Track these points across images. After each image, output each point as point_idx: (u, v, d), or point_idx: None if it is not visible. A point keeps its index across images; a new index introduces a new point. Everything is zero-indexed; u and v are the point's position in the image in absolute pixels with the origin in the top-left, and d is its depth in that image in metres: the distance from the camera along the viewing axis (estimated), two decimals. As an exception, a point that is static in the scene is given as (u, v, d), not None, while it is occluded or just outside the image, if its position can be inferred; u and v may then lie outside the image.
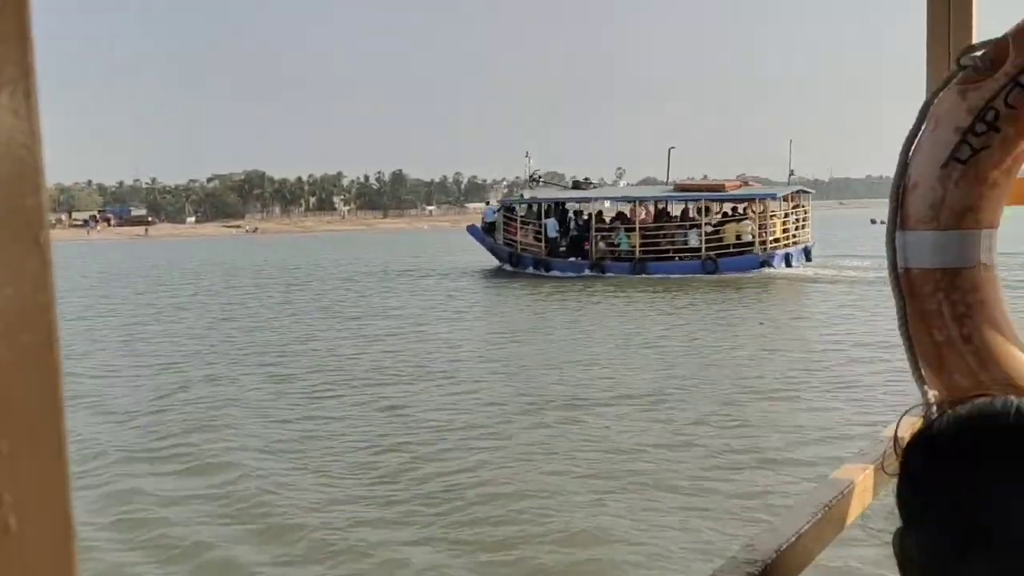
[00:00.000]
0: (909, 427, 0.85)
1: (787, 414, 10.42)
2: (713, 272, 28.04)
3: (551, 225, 31.57)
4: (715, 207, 30.33)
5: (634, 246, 29.85)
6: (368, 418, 10.90)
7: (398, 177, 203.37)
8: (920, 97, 1.62)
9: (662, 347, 15.59)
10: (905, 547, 0.76)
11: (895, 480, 0.79)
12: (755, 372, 12.93)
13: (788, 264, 29.12)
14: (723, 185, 32.00)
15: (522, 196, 34.97)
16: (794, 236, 30.26)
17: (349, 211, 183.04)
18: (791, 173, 37.80)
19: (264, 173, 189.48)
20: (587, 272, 29.69)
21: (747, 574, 1.06)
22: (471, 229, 36.31)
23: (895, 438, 0.86)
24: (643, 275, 28.43)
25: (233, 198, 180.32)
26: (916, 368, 1.60)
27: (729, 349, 15.22)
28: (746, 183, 34.87)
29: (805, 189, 33.68)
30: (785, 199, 30.60)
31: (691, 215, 30.55)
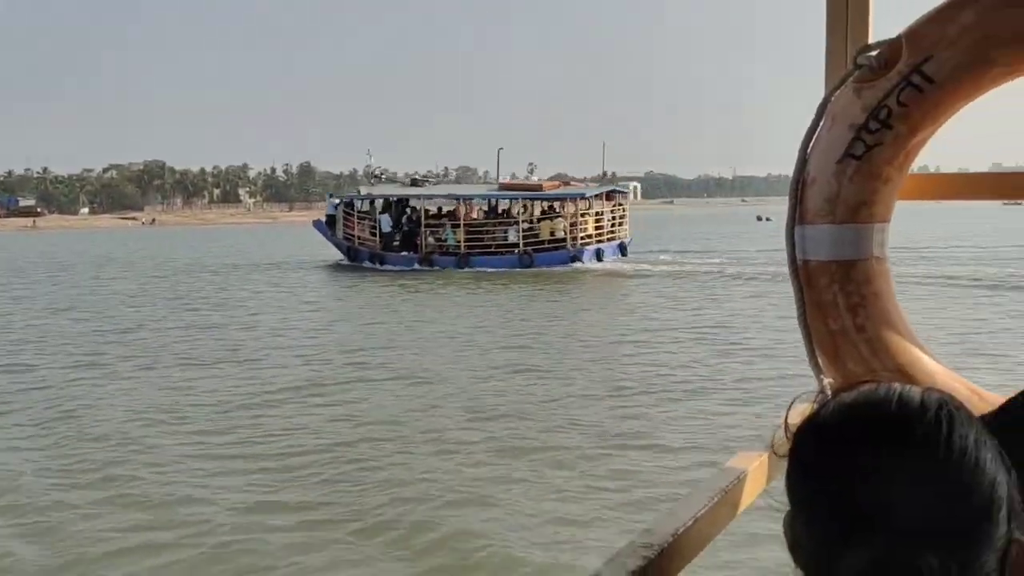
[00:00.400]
0: (801, 413, 0.86)
1: (524, 386, 12.01)
2: (529, 266, 30.25)
3: (384, 220, 33.35)
4: (534, 205, 32.65)
5: (459, 241, 31.86)
6: (147, 394, 11.89)
7: (306, 169, 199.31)
8: (819, 95, 1.66)
9: (459, 333, 17.14)
10: (794, 530, 0.76)
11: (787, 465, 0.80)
12: (526, 353, 14.61)
13: (599, 259, 31.25)
14: (541, 185, 34.70)
15: (358, 191, 36.46)
16: (610, 233, 32.57)
17: (255, 203, 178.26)
18: (603, 175, 40.68)
19: (165, 163, 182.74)
20: (417, 266, 31.55)
21: (644, 557, 1.07)
22: (316, 224, 37.26)
23: (786, 423, 0.88)
24: (467, 268, 30.45)
25: (131, 189, 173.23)
26: (812, 356, 1.65)
27: (510, 334, 16.91)
28: (567, 183, 37.60)
29: (619, 189, 36.27)
30: (599, 197, 33.04)
31: (514, 213, 32.88)
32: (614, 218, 33.02)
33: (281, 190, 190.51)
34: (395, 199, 34.39)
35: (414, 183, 38.95)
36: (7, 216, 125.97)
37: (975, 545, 0.70)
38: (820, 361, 1.64)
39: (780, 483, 0.82)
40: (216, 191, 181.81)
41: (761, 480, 1.50)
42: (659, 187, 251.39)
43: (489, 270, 29.78)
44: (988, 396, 1.49)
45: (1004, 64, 1.48)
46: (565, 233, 31.27)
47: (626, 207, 33.94)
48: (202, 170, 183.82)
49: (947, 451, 0.72)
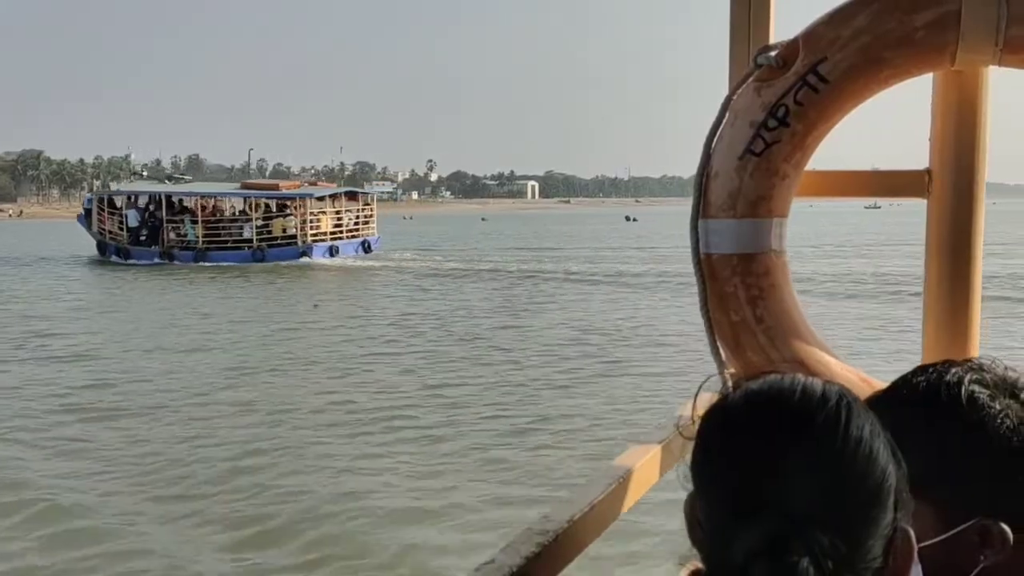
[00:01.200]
0: (707, 400, 0.88)
1: (199, 362, 13.37)
2: (262, 260, 31.87)
3: (132, 215, 34.33)
4: (271, 204, 33.94)
5: (199, 237, 33.15)
6: None
7: (195, 161, 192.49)
8: (714, 103, 1.70)
9: (148, 318, 18.43)
10: (695, 511, 0.79)
11: (688, 452, 0.82)
12: (196, 334, 16.16)
13: (333, 255, 32.84)
14: (278, 184, 36.69)
15: (107, 187, 36.89)
16: (351, 231, 34.46)
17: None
18: (343, 175, 42.68)
19: (41, 153, 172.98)
20: (158, 260, 32.73)
21: (538, 543, 1.08)
22: (79, 218, 37.90)
23: (693, 409, 0.90)
24: (204, 263, 31.72)
25: (4, 180, 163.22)
26: (714, 346, 1.68)
27: (191, 316, 18.44)
28: (314, 183, 39.98)
29: (358, 191, 38.89)
30: (338, 197, 35.08)
31: (247, 211, 34.39)
32: (358, 218, 34.95)
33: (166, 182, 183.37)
34: (157, 195, 35.33)
35: (169, 180, 40.29)
36: None
37: (865, 529, 0.74)
38: (721, 351, 1.69)
39: (675, 473, 0.85)
40: (96, 183, 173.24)
41: (656, 469, 1.53)
42: (558, 186, 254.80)
43: (224, 264, 31.13)
44: (878, 384, 1.56)
45: (894, 66, 1.55)
46: (296, 230, 32.82)
47: (373, 207, 36.19)
48: (81, 160, 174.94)
49: (844, 440, 0.75)
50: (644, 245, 42.66)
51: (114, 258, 33.99)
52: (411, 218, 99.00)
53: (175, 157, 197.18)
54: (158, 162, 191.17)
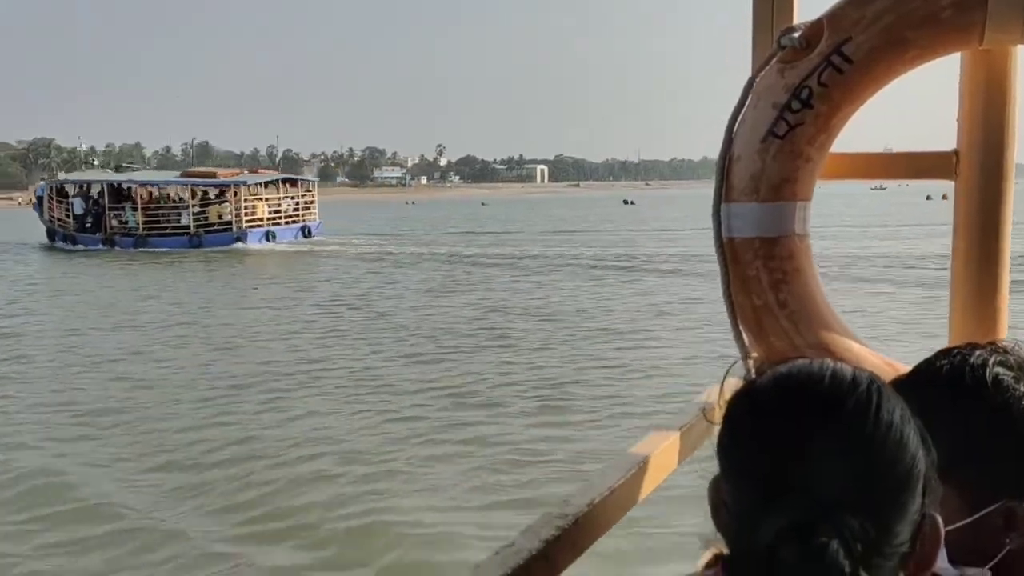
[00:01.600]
0: (734, 385, 0.87)
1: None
2: (199, 246, 32.75)
3: (77, 203, 35.55)
4: (212, 191, 34.77)
5: (139, 223, 34.33)
6: None
7: (204, 148, 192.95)
8: (733, 76, 1.68)
9: (84, 301, 19.12)
10: (719, 494, 0.79)
11: (707, 438, 0.82)
12: (132, 316, 16.86)
13: (269, 240, 33.76)
14: (215, 172, 37.86)
15: (54, 176, 38.13)
16: (290, 217, 35.57)
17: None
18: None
19: (52, 141, 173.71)
20: (100, 246, 33.78)
21: (557, 527, 1.09)
22: (34, 206, 39.33)
23: (720, 394, 0.90)
24: (144, 249, 32.70)
25: (15, 168, 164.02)
26: (737, 330, 1.67)
27: (138, 302, 19.03)
28: (255, 170, 41.01)
29: (297, 177, 40.13)
30: (275, 184, 36.06)
31: (186, 198, 35.28)
32: (298, 204, 35.96)
33: (176, 169, 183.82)
34: (107, 183, 36.17)
35: (118, 169, 42.71)
36: None
37: (894, 514, 0.74)
38: (744, 335, 1.68)
39: (694, 460, 0.85)
40: (107, 170, 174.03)
41: (675, 456, 1.52)
42: (568, 170, 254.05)
43: (163, 250, 32.08)
44: (903, 369, 1.54)
45: (919, 46, 1.53)
46: (232, 216, 33.65)
47: (314, 193, 37.08)
48: (92, 148, 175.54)
49: (875, 425, 0.75)
50: (620, 227, 43.56)
51: (61, 244, 35.26)
52: (413, 203, 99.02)
53: (185, 144, 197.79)
54: (168, 149, 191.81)
